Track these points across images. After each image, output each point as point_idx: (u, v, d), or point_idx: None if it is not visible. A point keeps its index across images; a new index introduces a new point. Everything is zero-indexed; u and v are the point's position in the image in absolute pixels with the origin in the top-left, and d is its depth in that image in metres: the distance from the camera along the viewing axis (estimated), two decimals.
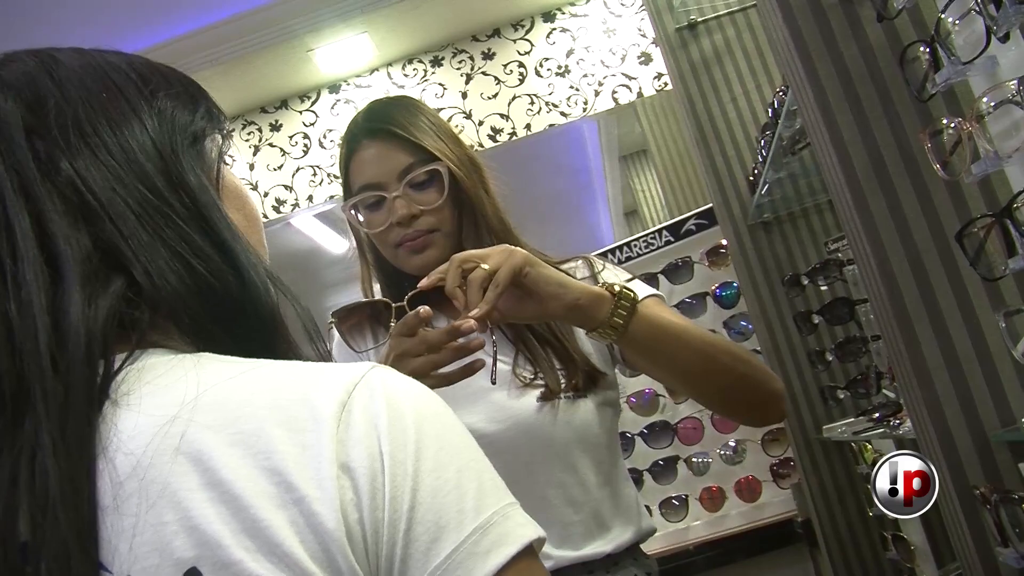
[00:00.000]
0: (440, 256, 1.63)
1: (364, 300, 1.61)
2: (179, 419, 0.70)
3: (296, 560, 0.66)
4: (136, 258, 0.77)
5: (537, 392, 1.58)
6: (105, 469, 0.68)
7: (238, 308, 0.82)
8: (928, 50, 1.51)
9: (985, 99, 1.40)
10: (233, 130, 0.97)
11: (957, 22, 1.47)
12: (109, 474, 0.68)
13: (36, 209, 0.76)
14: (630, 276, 1.74)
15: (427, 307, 1.41)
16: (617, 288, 1.45)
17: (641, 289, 1.62)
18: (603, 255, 3.83)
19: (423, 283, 1.42)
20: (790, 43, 1.69)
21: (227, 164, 0.93)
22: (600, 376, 1.65)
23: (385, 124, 1.68)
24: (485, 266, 1.37)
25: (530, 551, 0.72)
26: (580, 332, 1.66)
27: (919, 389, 1.57)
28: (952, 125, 1.48)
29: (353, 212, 1.72)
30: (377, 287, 1.79)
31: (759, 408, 1.65)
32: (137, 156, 0.82)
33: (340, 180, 1.78)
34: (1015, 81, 1.33)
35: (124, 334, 0.76)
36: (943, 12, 1.48)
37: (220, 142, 0.93)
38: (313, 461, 0.68)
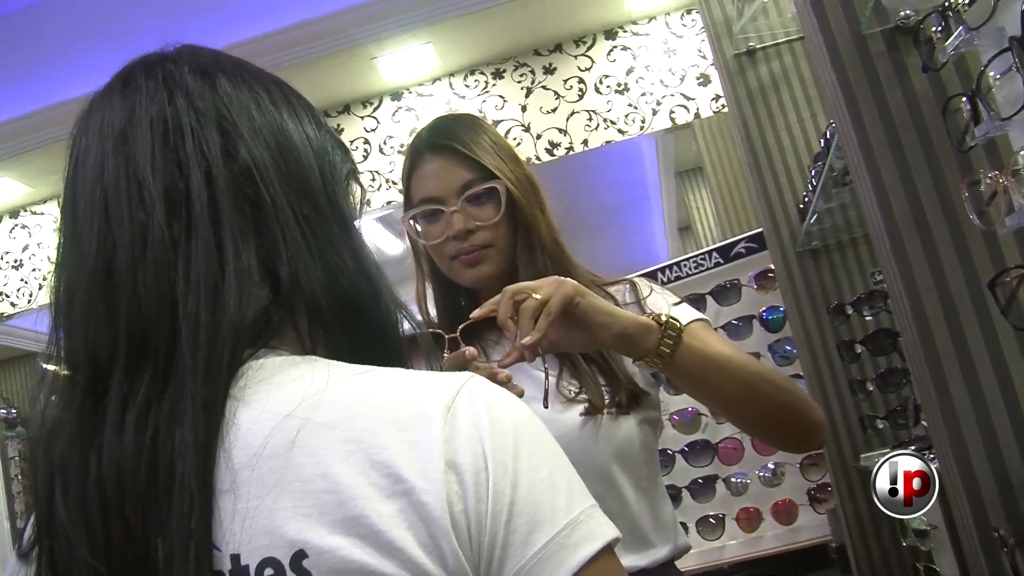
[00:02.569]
0: (493, 272, 1.69)
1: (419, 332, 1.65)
2: (296, 416, 0.77)
3: (401, 547, 0.73)
4: (290, 260, 0.85)
5: (580, 407, 1.61)
6: (221, 456, 0.76)
7: (370, 323, 0.91)
8: (969, 103, 1.56)
9: (1022, 154, 1.45)
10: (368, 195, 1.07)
11: (999, 77, 1.52)
12: (225, 461, 0.76)
13: (213, 192, 0.85)
14: (677, 300, 1.76)
15: (473, 349, 1.45)
16: (664, 318, 1.48)
17: (687, 314, 1.66)
18: (652, 275, 3.89)
19: (476, 314, 1.47)
20: (837, 87, 1.74)
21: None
22: (643, 395, 1.67)
23: (448, 140, 1.73)
24: (537, 296, 1.41)
25: (610, 548, 0.79)
26: None
27: (946, 430, 1.61)
28: (989, 177, 1.53)
29: (412, 223, 1.77)
30: (431, 294, 1.84)
31: (799, 436, 1.66)
32: (303, 168, 0.90)
33: (400, 188, 1.83)
34: None
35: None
36: (985, 67, 1.52)
37: (360, 194, 1.00)
38: (422, 456, 0.75)
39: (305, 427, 0.76)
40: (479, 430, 0.78)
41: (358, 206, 0.98)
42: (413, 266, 1.86)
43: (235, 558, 0.74)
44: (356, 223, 0.95)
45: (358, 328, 0.90)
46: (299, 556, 0.73)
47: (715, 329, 1.75)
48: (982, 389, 1.60)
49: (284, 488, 0.74)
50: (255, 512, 0.74)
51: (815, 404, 1.66)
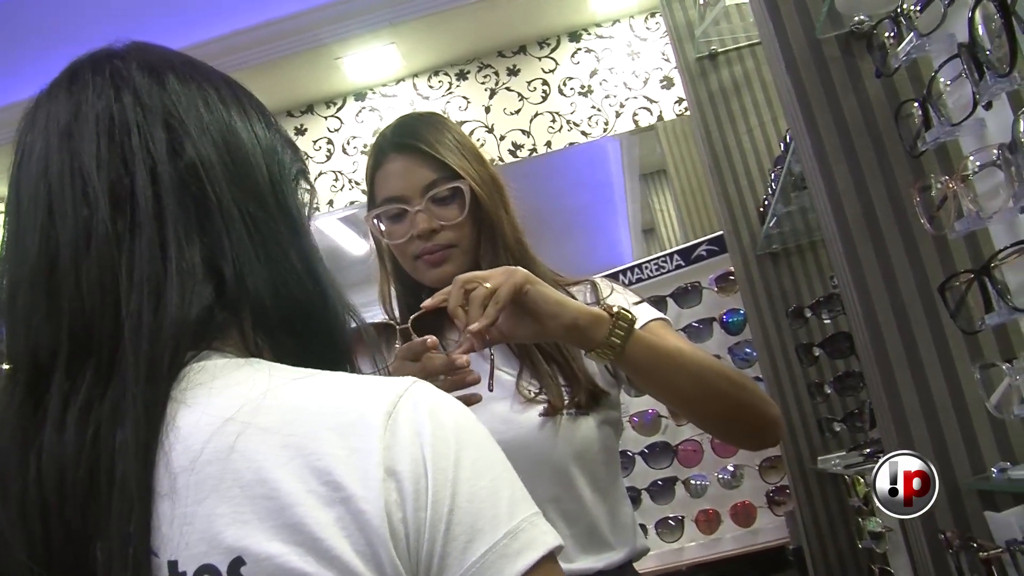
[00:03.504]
0: (456, 271, 1.67)
1: (371, 322, 1.64)
2: (236, 420, 0.76)
3: (339, 555, 0.72)
4: (235, 260, 0.84)
5: (540, 408, 1.60)
6: (161, 460, 0.74)
7: (317, 326, 0.90)
8: (920, 109, 1.57)
9: (971, 159, 1.46)
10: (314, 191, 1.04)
11: (949, 83, 1.53)
12: (165, 465, 0.74)
13: (158, 190, 0.84)
14: (638, 299, 1.76)
15: (434, 337, 1.46)
16: (615, 309, 1.48)
17: (646, 313, 1.66)
18: (614, 276, 3.90)
19: (426, 303, 1.48)
20: (792, 92, 1.75)
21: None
22: (603, 395, 1.67)
23: (412, 140, 1.73)
24: (487, 284, 1.42)
25: (552, 557, 0.78)
26: None
27: (896, 434, 1.62)
28: (940, 182, 1.54)
29: (376, 222, 1.77)
30: (395, 294, 1.83)
31: (755, 433, 1.66)
32: (252, 167, 0.89)
33: (363, 188, 1.83)
34: (997, 147, 1.38)
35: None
36: (936, 73, 1.53)
37: (309, 193, 0.99)
38: (361, 464, 0.74)
39: (245, 432, 0.75)
40: (420, 437, 0.77)
41: (308, 207, 0.97)
42: (377, 266, 1.85)
43: (172, 564, 0.72)
44: (306, 224, 0.94)
45: (305, 331, 0.89)
46: (237, 563, 0.72)
47: (676, 331, 1.75)
48: (931, 393, 1.62)
49: (223, 494, 0.73)
50: (193, 518, 0.73)
51: (771, 401, 1.66)
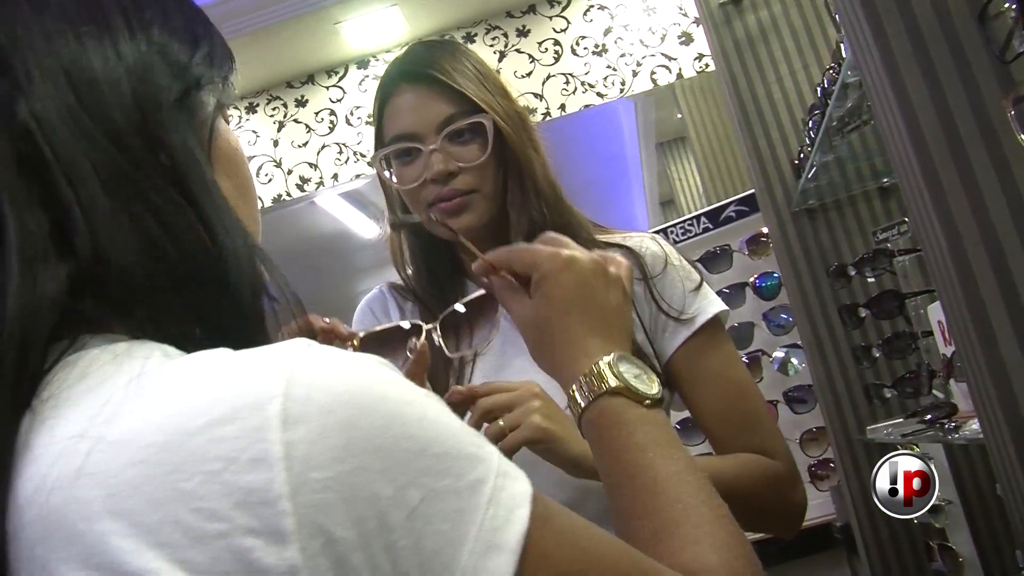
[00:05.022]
0: (477, 221, 1.48)
1: (391, 326, 1.41)
2: (88, 435, 0.59)
3: None
4: (88, 231, 0.67)
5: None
6: (10, 495, 0.59)
7: (212, 291, 0.71)
8: (1015, 5, 1.34)
9: None
10: (230, 74, 0.82)
11: None
12: (13, 499, 0.59)
13: None
14: (697, 282, 1.56)
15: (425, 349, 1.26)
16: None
17: (705, 307, 1.52)
18: None
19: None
20: None
21: (226, 120, 0.82)
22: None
23: (425, 68, 1.50)
24: (501, 423, 1.27)
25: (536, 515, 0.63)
26: None
27: (994, 389, 1.39)
28: None
29: (383, 164, 1.55)
30: (407, 252, 1.62)
31: (776, 528, 1.60)
32: (110, 106, 0.70)
33: (368, 160, 1.62)
34: None
35: (68, 321, 0.66)
36: None
37: (221, 91, 0.80)
38: (226, 486, 0.55)
39: (96, 449, 0.58)
40: (319, 441, 0.57)
41: (209, 121, 0.78)
42: (389, 251, 1.65)
43: None
44: (193, 157, 0.73)
45: (198, 301, 0.70)
46: None
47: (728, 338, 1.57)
48: None
49: (68, 531, 0.56)
50: (30, 563, 0.57)
51: (796, 480, 1.53)
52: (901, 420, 2.79)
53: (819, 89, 2.75)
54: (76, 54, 0.71)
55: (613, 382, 0.90)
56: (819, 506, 3.69)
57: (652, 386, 0.92)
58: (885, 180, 3.14)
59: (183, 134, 0.73)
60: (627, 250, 1.54)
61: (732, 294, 3.81)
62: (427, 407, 0.61)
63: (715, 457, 1.50)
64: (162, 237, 0.69)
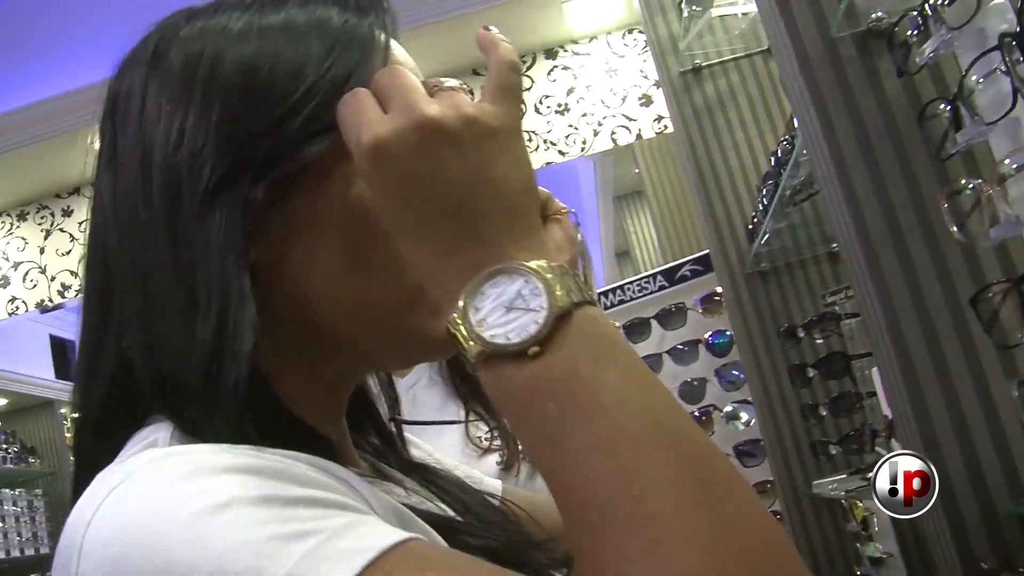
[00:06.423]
0: None
1: None
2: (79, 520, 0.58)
3: None
4: (121, 326, 0.69)
5: (495, 456, 1.51)
6: None
7: (199, 387, 0.65)
8: (950, 108, 1.47)
9: (1008, 161, 1.36)
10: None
11: (981, 80, 1.43)
12: None
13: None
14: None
15: None
16: None
17: None
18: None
19: None
20: (806, 94, 1.65)
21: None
22: None
23: None
24: None
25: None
26: None
27: (926, 456, 1.51)
28: (971, 186, 1.44)
29: None
30: None
31: None
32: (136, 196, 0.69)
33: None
34: None
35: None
36: (968, 68, 1.44)
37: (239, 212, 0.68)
38: None
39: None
40: None
41: (239, 221, 0.67)
42: None
43: None
44: (210, 248, 0.66)
45: (193, 397, 0.65)
46: None
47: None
48: (964, 413, 1.51)
49: None
50: None
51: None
52: (845, 476, 2.90)
53: (773, 158, 2.88)
54: (150, 133, 0.70)
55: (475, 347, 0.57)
56: None
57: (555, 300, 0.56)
58: (834, 245, 3.24)
59: (216, 221, 0.67)
60: None
61: (686, 350, 3.88)
62: (216, 528, 0.52)
63: None
64: (162, 329, 0.67)
